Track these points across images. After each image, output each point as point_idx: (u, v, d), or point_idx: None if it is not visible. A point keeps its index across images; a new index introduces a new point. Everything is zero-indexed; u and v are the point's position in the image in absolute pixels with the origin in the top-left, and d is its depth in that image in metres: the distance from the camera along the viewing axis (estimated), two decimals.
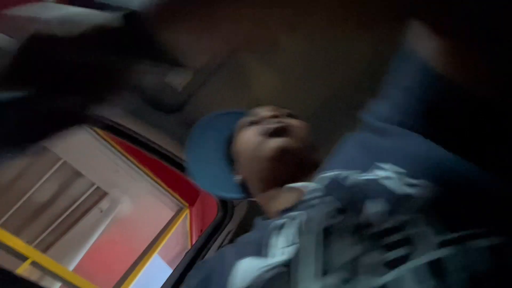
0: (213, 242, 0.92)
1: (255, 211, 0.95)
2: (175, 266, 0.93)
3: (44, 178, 3.71)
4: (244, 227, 0.95)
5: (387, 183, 0.31)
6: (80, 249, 3.77)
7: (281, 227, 0.37)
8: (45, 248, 4.13)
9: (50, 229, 4.11)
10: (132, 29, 0.26)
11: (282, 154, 0.51)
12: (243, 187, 0.63)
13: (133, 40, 0.27)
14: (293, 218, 0.37)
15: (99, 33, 0.26)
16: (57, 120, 0.29)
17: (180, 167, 0.92)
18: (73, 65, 0.27)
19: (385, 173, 0.33)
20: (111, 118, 0.79)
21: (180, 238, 3.87)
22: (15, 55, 0.26)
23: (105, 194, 4.00)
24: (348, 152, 0.43)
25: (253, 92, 0.89)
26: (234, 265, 0.37)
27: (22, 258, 2.76)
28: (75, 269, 3.59)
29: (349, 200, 0.32)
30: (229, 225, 0.97)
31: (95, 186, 3.90)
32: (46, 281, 2.98)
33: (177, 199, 3.22)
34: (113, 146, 2.49)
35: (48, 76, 0.27)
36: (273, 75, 0.90)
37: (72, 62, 0.27)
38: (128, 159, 2.55)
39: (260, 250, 0.37)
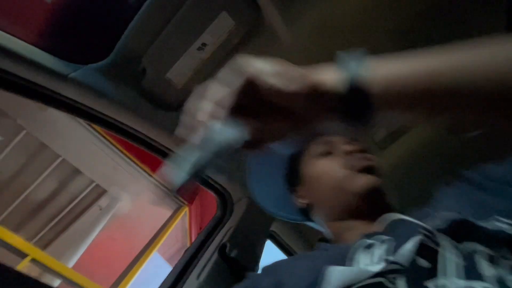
0: (213, 240, 0.92)
1: (254, 210, 0.95)
2: (174, 264, 0.94)
3: (43, 176, 3.71)
4: (244, 224, 0.95)
5: (508, 231, 0.35)
6: (79, 247, 3.78)
7: (369, 246, 0.41)
8: (44, 245, 4.14)
9: (49, 226, 4.11)
10: (353, 97, 0.29)
11: (371, 193, 0.53)
12: (304, 211, 0.64)
13: (347, 105, 0.30)
14: (382, 241, 0.41)
15: (316, 92, 0.30)
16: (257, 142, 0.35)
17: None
18: (277, 108, 0.32)
19: (505, 225, 0.36)
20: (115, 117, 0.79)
21: (180, 235, 3.88)
22: (236, 92, 0.32)
23: (104, 191, 4.00)
24: (452, 202, 0.46)
25: None
26: (312, 272, 0.41)
27: (22, 255, 2.77)
28: (74, 266, 3.60)
29: (474, 236, 0.35)
30: (228, 222, 0.96)
31: (94, 184, 3.90)
32: (45, 278, 2.99)
33: (176, 197, 3.22)
34: (112, 144, 2.49)
35: (257, 113, 0.33)
36: None
37: (278, 106, 0.32)
38: (128, 156, 2.55)
39: (339, 263, 0.41)
